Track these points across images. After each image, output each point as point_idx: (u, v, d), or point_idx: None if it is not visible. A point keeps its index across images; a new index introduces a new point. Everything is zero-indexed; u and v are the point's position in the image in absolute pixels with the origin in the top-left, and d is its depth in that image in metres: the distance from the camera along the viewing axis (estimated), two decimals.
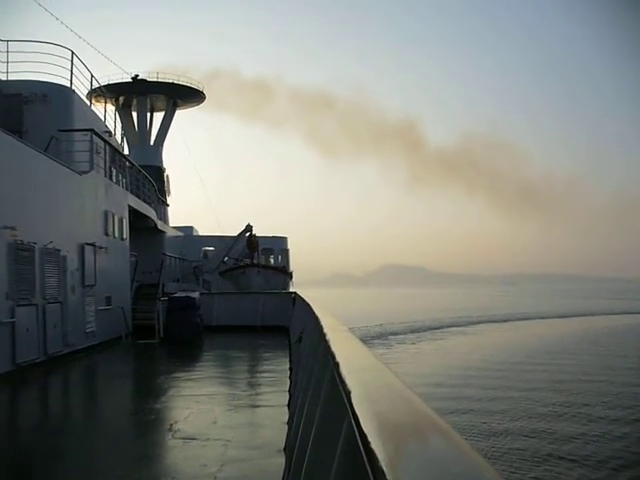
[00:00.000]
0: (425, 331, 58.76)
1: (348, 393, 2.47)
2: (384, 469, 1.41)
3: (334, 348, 4.06)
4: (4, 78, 21.54)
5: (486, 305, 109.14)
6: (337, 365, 3.32)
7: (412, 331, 57.79)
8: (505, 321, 71.45)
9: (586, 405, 24.33)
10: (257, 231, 46.42)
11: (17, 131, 19.43)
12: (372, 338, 49.48)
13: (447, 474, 1.40)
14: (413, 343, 49.00)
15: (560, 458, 17.53)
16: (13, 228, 15.23)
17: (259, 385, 14.93)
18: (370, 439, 1.68)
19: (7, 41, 21.08)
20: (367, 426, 1.83)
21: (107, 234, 22.61)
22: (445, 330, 60.42)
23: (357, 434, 1.89)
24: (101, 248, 21.54)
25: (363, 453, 1.68)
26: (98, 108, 28.56)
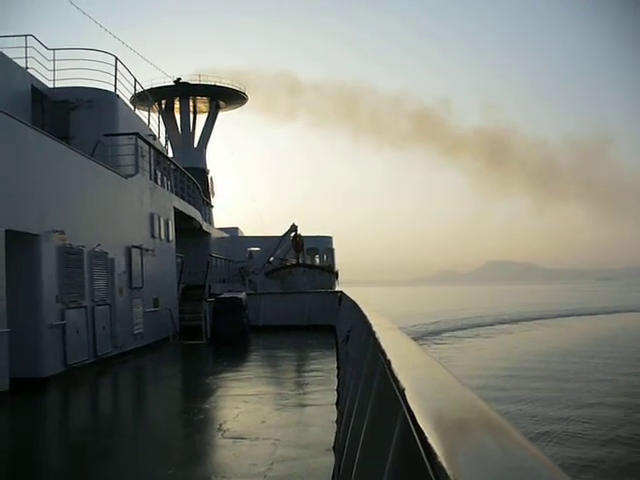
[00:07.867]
0: (512, 323, 62.63)
1: (402, 390, 2.41)
2: (443, 464, 1.38)
3: (384, 346, 4.00)
4: (51, 86, 22.02)
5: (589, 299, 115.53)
6: (389, 362, 3.26)
7: (500, 323, 62.22)
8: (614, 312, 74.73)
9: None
10: (313, 231, 47.38)
11: (64, 137, 19.83)
12: (458, 329, 55.01)
13: (508, 469, 1.37)
14: (504, 333, 53.42)
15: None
16: (62, 232, 15.48)
17: (307, 384, 14.89)
18: (427, 434, 1.65)
19: (53, 50, 21.59)
20: (423, 422, 1.80)
21: (153, 236, 22.87)
22: (538, 322, 63.93)
23: (413, 430, 1.83)
24: (148, 250, 21.79)
25: (421, 448, 1.65)
26: (142, 112, 29.00)
